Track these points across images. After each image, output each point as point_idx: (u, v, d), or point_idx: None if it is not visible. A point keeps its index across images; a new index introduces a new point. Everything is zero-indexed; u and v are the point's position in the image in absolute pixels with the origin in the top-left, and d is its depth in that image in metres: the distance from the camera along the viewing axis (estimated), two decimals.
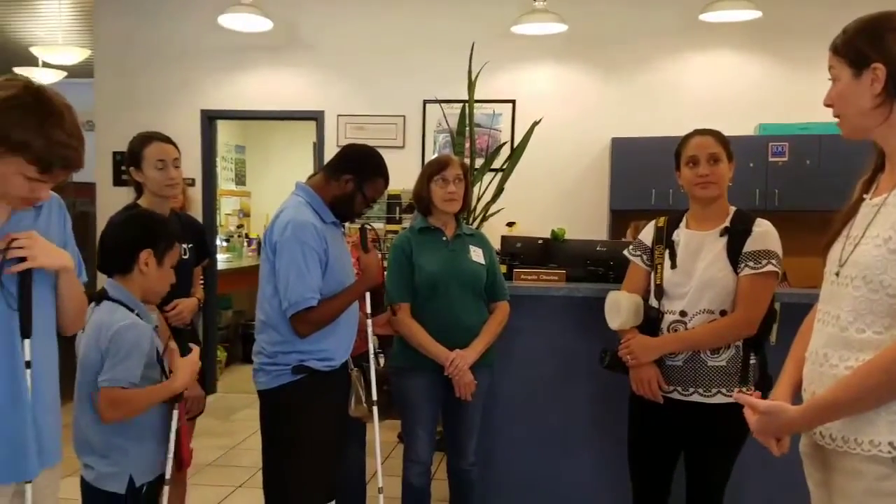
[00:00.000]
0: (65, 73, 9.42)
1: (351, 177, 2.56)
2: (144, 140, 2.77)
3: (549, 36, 5.48)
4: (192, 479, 4.17)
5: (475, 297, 2.94)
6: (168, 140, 2.81)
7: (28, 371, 1.75)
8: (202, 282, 2.90)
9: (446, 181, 2.89)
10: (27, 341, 1.75)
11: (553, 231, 4.02)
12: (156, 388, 2.10)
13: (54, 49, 9.04)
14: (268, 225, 2.57)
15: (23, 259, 1.72)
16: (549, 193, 5.89)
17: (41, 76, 9.35)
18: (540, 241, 3.87)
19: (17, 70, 9.32)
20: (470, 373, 2.84)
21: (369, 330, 2.75)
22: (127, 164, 2.78)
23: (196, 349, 2.24)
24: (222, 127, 8.28)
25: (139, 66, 6.08)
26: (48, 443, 1.82)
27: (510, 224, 5.59)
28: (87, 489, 2.13)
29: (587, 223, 5.66)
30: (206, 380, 6.15)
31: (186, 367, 2.15)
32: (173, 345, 2.19)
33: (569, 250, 3.72)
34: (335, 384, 2.63)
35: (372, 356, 2.74)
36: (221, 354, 6.36)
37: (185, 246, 2.83)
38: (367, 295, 2.73)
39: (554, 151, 5.84)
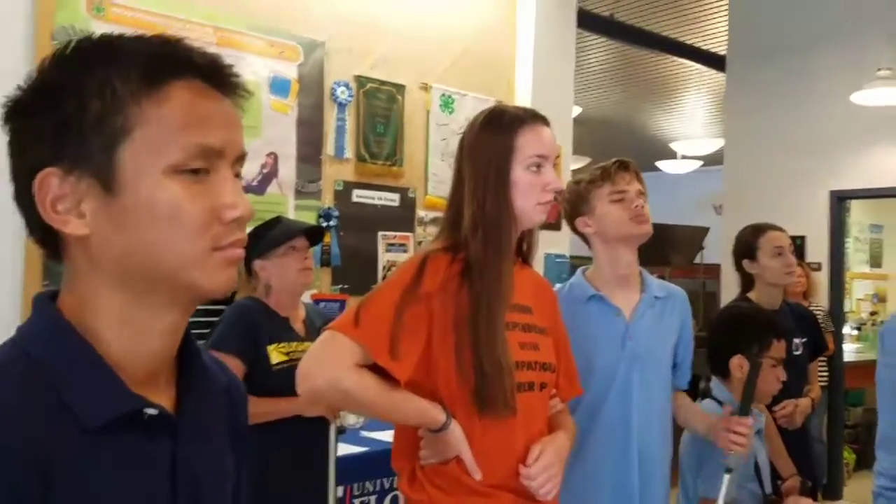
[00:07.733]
0: (700, 163, 10.22)
1: None
2: (757, 230, 2.73)
3: None
4: None
5: None
6: (780, 228, 2.72)
7: None
8: (821, 378, 2.67)
9: None
10: None
11: None
12: None
13: (691, 142, 9.96)
14: (887, 322, 2.21)
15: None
16: None
17: (678, 167, 10.38)
18: None
19: (658, 164, 10.49)
20: None
21: None
22: (738, 255, 2.77)
23: None
24: (856, 207, 7.68)
25: (765, 153, 6.11)
26: None
27: None
28: None
29: None
30: (831, 485, 5.62)
31: None
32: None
33: None
34: None
35: None
36: (849, 457, 5.70)
37: (797, 340, 2.66)
38: None
39: None
